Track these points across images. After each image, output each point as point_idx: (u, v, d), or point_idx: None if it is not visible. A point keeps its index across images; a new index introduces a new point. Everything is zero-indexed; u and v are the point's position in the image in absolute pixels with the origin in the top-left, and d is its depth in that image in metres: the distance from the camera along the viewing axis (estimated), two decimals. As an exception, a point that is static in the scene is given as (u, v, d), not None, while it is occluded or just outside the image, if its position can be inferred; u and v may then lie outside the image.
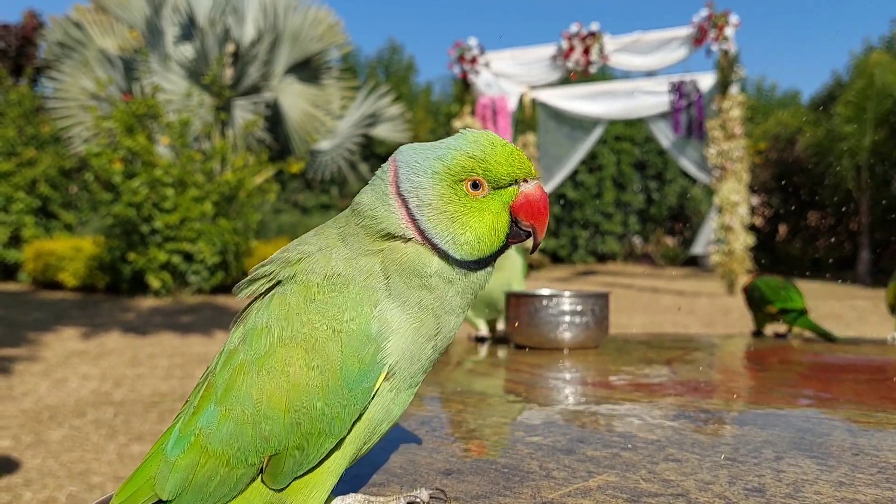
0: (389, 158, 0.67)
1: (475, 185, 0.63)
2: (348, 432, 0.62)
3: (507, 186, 0.64)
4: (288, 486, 0.62)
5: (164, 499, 0.62)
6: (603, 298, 1.70)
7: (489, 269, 0.66)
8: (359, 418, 0.62)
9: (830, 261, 15.59)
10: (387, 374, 0.62)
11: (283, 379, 0.60)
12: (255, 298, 0.68)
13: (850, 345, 1.92)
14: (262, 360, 0.60)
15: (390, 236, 0.63)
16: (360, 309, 0.61)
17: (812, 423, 1.03)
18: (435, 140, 0.70)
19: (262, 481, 0.62)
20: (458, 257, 0.63)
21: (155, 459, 0.64)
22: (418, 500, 0.69)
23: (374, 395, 0.62)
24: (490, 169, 0.63)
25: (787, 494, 0.72)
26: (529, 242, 0.68)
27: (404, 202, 0.63)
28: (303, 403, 0.60)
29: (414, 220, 0.63)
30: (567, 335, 1.65)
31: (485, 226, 0.63)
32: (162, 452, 0.64)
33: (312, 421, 0.60)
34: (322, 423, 0.60)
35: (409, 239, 0.63)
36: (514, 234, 0.66)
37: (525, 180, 0.65)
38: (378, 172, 0.67)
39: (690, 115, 11.67)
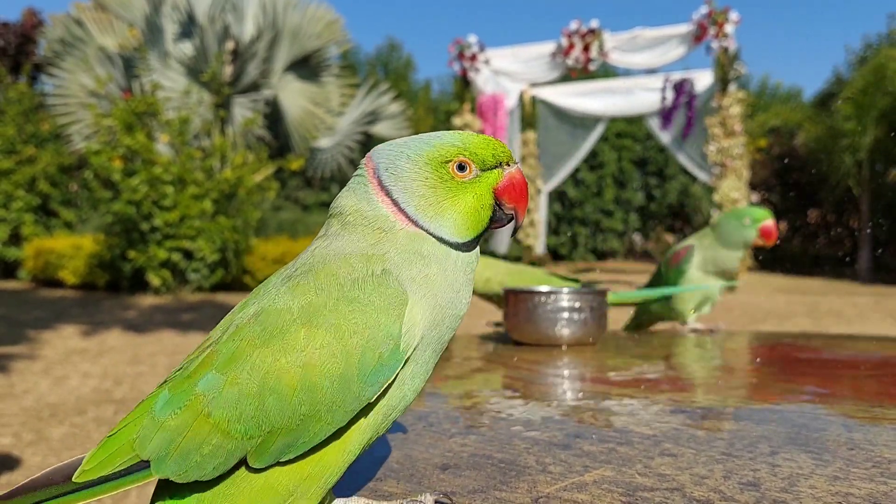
0: (363, 160, 0.68)
1: (461, 167, 0.65)
2: (351, 424, 0.61)
3: (492, 168, 0.67)
4: (270, 467, 0.60)
5: (145, 457, 0.59)
6: (601, 295, 1.70)
7: (477, 249, 0.68)
8: (368, 410, 0.61)
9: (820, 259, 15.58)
10: (404, 363, 0.62)
11: (297, 356, 0.58)
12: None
13: (849, 340, 1.92)
14: (277, 336, 0.59)
15: (382, 230, 0.64)
16: (391, 307, 0.60)
17: (808, 419, 1.04)
18: None
19: (246, 462, 0.60)
20: (448, 239, 0.65)
21: (137, 422, 0.60)
22: None
23: (385, 390, 0.61)
24: (476, 152, 0.66)
25: (782, 488, 0.73)
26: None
27: (388, 194, 0.65)
28: (311, 385, 0.57)
29: (402, 210, 0.65)
30: (565, 331, 1.66)
31: (470, 207, 0.65)
32: (148, 413, 0.60)
33: (316, 405, 0.58)
34: (325, 410, 0.58)
35: (401, 228, 0.64)
36: (498, 218, 0.68)
37: (507, 164, 0.68)
38: (355, 174, 0.68)
39: (680, 113, 11.68)
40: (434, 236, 0.65)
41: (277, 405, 0.58)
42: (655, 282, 2.23)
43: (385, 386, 0.60)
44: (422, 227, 0.64)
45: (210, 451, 0.58)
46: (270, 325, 0.59)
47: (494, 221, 0.68)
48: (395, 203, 0.65)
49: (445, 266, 0.64)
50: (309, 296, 0.60)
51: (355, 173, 0.69)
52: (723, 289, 2.11)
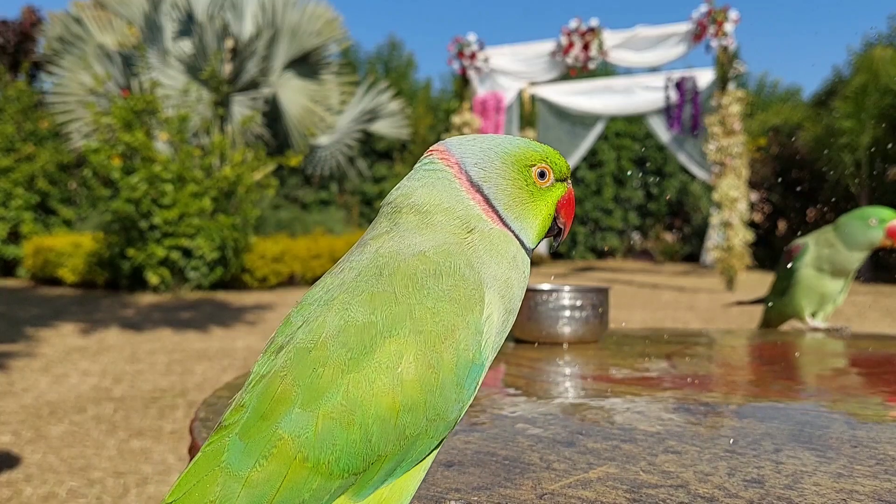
0: (436, 153, 0.65)
1: (542, 175, 0.65)
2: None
3: (562, 181, 0.67)
4: (370, 496, 0.56)
5: None
6: (603, 293, 1.70)
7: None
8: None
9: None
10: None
11: (393, 374, 0.53)
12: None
13: (850, 338, 1.92)
14: (366, 356, 0.54)
15: (472, 229, 0.61)
16: (473, 303, 0.57)
17: (811, 416, 1.04)
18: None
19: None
20: (526, 243, 0.64)
21: (208, 481, 0.53)
22: None
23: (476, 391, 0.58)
24: (555, 161, 0.66)
25: (786, 485, 0.73)
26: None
27: (479, 191, 0.63)
28: (413, 402, 0.54)
29: (493, 208, 0.63)
30: (567, 330, 1.66)
31: (544, 215, 0.65)
32: (219, 468, 0.53)
33: (420, 422, 0.55)
34: (429, 424, 0.55)
35: (492, 227, 0.62)
36: (550, 228, 0.68)
37: (567, 180, 0.68)
38: (426, 168, 0.64)
39: (687, 111, 11.68)
40: (518, 239, 0.63)
41: (381, 431, 0.53)
42: (776, 280, 2.21)
43: (480, 382, 0.58)
44: (510, 228, 0.63)
45: (310, 496, 0.53)
46: (355, 344, 0.54)
47: (548, 231, 0.68)
48: (487, 200, 0.62)
49: (521, 271, 0.63)
50: (389, 305, 0.55)
51: (426, 167, 0.64)
52: (845, 288, 2.08)
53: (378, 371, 0.53)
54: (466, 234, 0.61)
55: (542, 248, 14.12)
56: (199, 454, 0.55)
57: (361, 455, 0.53)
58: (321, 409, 0.52)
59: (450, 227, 0.61)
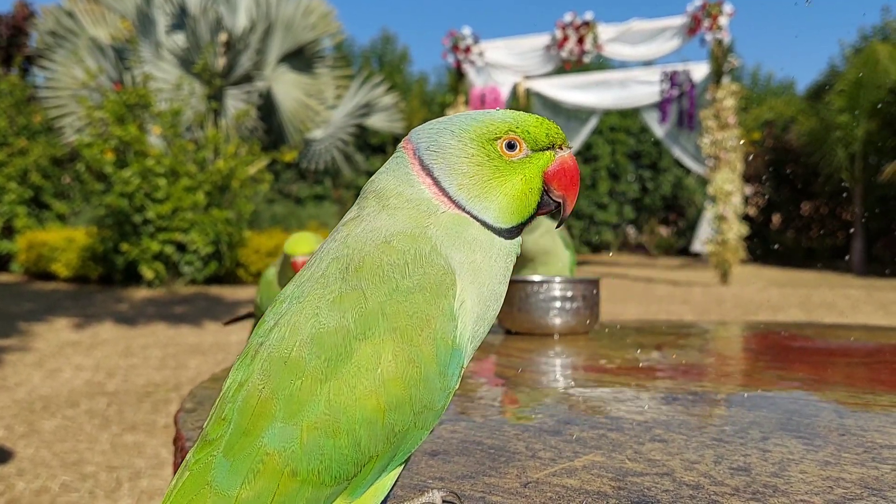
0: (402, 142, 0.64)
1: (511, 146, 0.60)
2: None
3: (544, 150, 0.61)
4: (364, 493, 0.56)
5: None
6: (593, 284, 1.70)
7: (520, 238, 0.63)
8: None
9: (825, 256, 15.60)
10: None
11: (373, 376, 0.52)
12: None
13: (841, 330, 1.92)
14: (343, 362, 0.52)
15: (425, 213, 0.59)
16: (444, 288, 0.55)
17: (800, 405, 1.04)
18: None
19: None
20: (492, 224, 0.60)
21: (199, 501, 0.52)
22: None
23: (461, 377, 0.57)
24: (529, 130, 0.60)
25: (773, 473, 0.73)
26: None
27: (429, 173, 0.60)
28: (398, 400, 0.53)
29: (444, 191, 0.59)
30: (558, 320, 1.65)
31: (517, 190, 0.60)
32: (207, 488, 0.52)
33: (408, 417, 0.54)
34: (418, 418, 0.54)
35: (444, 211, 0.59)
36: (544, 204, 0.62)
37: (561, 147, 0.62)
38: (393, 157, 0.63)
39: (681, 105, 11.68)
40: (478, 220, 0.59)
41: (370, 433, 0.53)
42: None
43: (463, 368, 0.57)
44: (465, 210, 0.59)
45: None
46: (330, 351, 0.53)
47: (540, 207, 0.62)
48: (437, 183, 0.59)
49: (490, 254, 0.59)
50: (360, 304, 0.54)
51: (394, 154, 0.63)
52: None
53: (358, 375, 0.52)
54: (422, 217, 0.59)
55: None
56: (187, 472, 0.54)
57: (352, 460, 0.53)
58: (304, 420, 0.52)
59: (407, 210, 0.59)
